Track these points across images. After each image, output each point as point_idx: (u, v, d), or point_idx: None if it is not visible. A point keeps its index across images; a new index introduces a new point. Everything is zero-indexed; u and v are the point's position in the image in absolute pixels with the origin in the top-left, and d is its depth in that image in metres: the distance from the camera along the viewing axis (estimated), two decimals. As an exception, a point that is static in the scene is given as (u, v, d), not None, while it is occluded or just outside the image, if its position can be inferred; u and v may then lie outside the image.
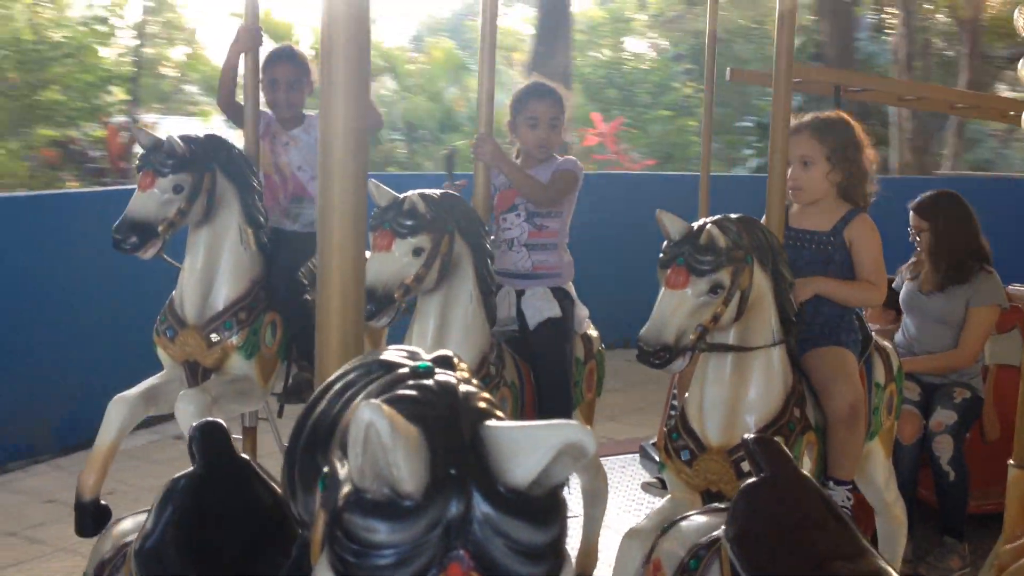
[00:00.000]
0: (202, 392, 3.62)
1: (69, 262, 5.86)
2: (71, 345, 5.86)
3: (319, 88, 1.48)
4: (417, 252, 3.29)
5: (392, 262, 3.25)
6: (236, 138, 4.29)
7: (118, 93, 15.07)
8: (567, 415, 3.63)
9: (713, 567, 2.09)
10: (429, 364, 1.10)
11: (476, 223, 3.50)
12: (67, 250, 5.87)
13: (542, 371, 3.63)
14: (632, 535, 2.83)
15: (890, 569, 1.85)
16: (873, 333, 3.67)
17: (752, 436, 2.17)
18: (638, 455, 5.33)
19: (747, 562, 1.81)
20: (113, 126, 13.75)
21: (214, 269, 3.82)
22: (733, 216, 3.01)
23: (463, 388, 1.05)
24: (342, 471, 1.00)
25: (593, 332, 4.01)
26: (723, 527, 1.99)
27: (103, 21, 15.00)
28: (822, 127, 3.51)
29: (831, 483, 3.18)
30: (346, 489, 0.97)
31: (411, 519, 0.93)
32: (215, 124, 15.20)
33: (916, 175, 13.70)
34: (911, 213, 4.65)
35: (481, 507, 0.94)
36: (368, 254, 2.99)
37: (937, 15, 19.14)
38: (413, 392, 1.02)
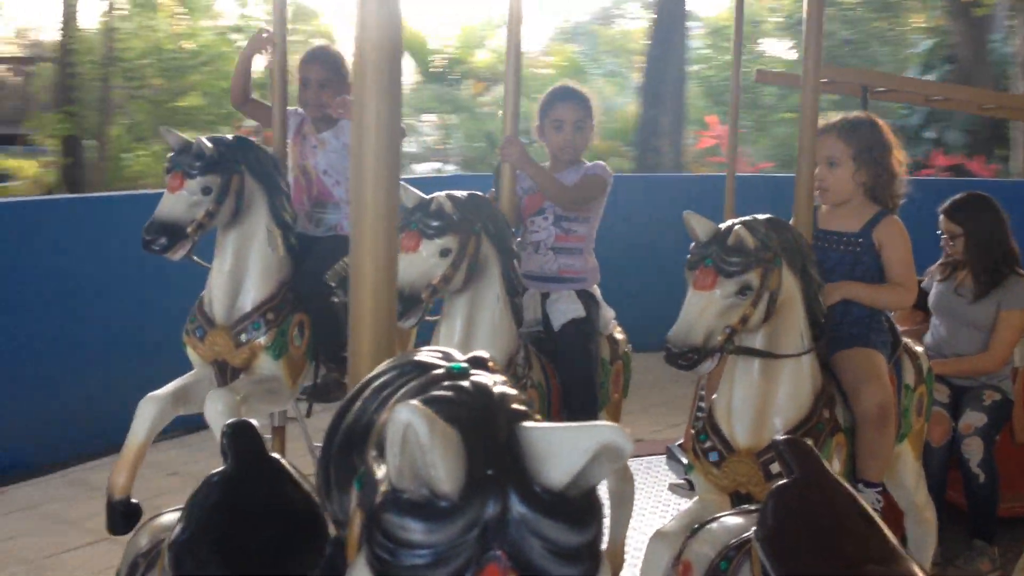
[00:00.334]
0: (230, 391, 3.64)
1: (125, 261, 5.83)
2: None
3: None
4: (444, 253, 3.30)
5: (419, 263, 3.26)
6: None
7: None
8: (593, 414, 3.63)
9: (744, 569, 2.08)
10: (464, 365, 1.11)
11: (503, 224, 3.50)
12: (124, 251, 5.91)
13: (567, 371, 3.64)
14: (660, 537, 2.83)
15: (922, 574, 1.84)
16: (903, 335, 3.65)
17: (782, 438, 2.16)
18: (664, 456, 5.32)
19: (778, 564, 1.80)
20: (246, 130, 14.11)
21: (243, 270, 3.84)
22: (761, 217, 3.00)
23: (498, 389, 1.05)
24: (379, 471, 1.01)
25: (620, 334, 4.00)
26: (753, 529, 1.98)
27: (238, 30, 15.63)
28: (849, 128, 3.50)
29: (861, 485, 3.16)
30: (384, 489, 0.98)
31: (448, 519, 0.93)
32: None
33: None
34: (942, 217, 4.62)
35: (518, 508, 0.94)
36: None
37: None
38: (449, 393, 1.03)
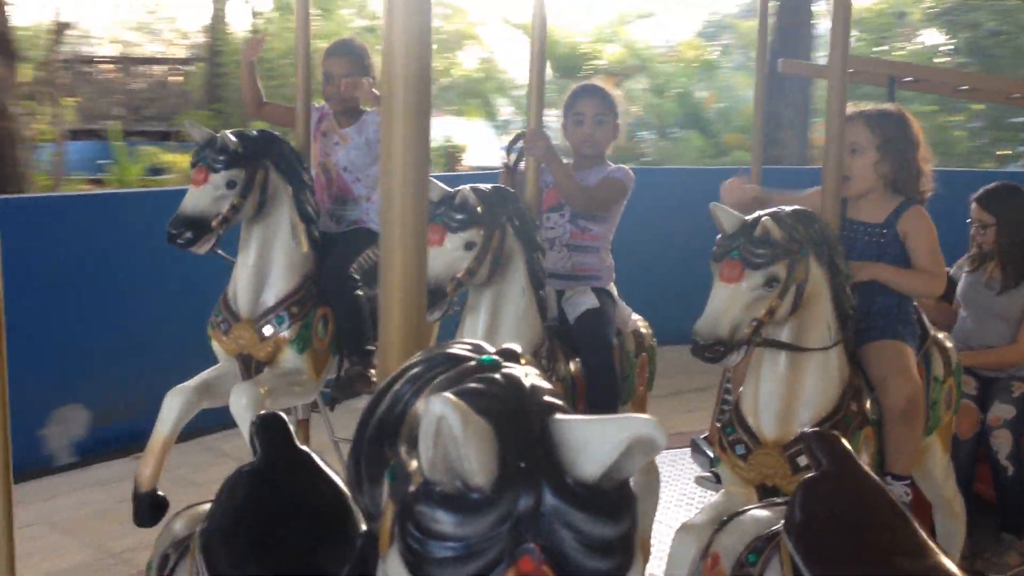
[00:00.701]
0: (255, 385, 3.66)
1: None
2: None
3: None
4: (469, 246, 3.30)
5: (444, 256, 3.26)
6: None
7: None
8: (613, 402, 3.61)
9: (773, 562, 2.07)
10: (495, 358, 1.11)
11: (528, 217, 3.50)
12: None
13: (586, 358, 3.62)
14: (686, 529, 2.82)
15: (953, 567, 1.83)
16: (931, 327, 3.62)
17: (810, 430, 2.15)
18: (689, 449, 5.30)
19: (809, 557, 1.79)
20: None
21: (267, 264, 3.86)
22: (788, 208, 2.98)
23: (529, 381, 1.05)
24: (411, 463, 1.01)
25: (645, 327, 3.99)
26: (782, 522, 1.97)
27: (370, 30, 16.14)
28: (875, 117, 3.47)
29: (889, 478, 3.14)
30: (416, 482, 0.98)
31: (481, 512, 0.93)
32: (478, 125, 17.42)
33: None
34: (974, 205, 4.58)
35: (550, 500, 0.94)
36: None
37: None
38: (481, 385, 1.02)
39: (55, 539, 4.84)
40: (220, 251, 3.83)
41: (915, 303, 3.51)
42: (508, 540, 0.93)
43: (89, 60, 18.00)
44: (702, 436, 5.06)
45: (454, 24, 19.06)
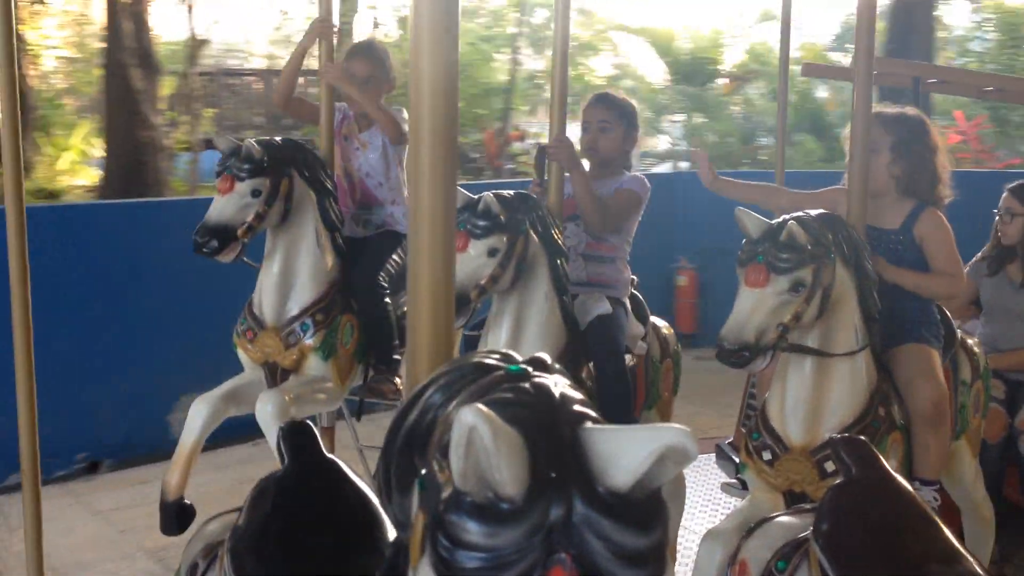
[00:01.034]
0: (280, 392, 3.67)
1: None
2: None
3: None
4: (492, 253, 3.30)
5: (467, 263, 3.26)
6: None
7: (497, 103, 17.03)
8: (627, 411, 3.57)
9: (802, 569, 2.06)
10: (523, 367, 1.10)
11: (551, 223, 3.49)
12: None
13: (599, 365, 3.58)
14: (713, 536, 2.81)
15: (983, 573, 1.81)
16: (959, 330, 3.59)
17: (839, 436, 2.14)
18: (714, 455, 5.28)
19: (839, 564, 1.78)
20: (490, 131, 15.55)
21: (292, 272, 3.87)
22: (814, 212, 2.96)
23: (559, 390, 1.04)
24: (441, 474, 1.00)
25: (667, 330, 3.98)
26: (811, 528, 1.96)
27: (487, 40, 16.94)
28: (892, 118, 3.45)
29: (917, 483, 3.12)
30: (447, 492, 0.97)
31: (512, 522, 0.93)
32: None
33: None
34: (1005, 195, 4.53)
35: (582, 510, 0.93)
36: None
37: None
38: (511, 395, 1.02)
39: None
40: (246, 258, 3.84)
41: (936, 305, 3.48)
42: (540, 550, 0.93)
43: (233, 72, 18.62)
44: (727, 441, 5.05)
45: (590, 30, 19.48)
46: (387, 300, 4.02)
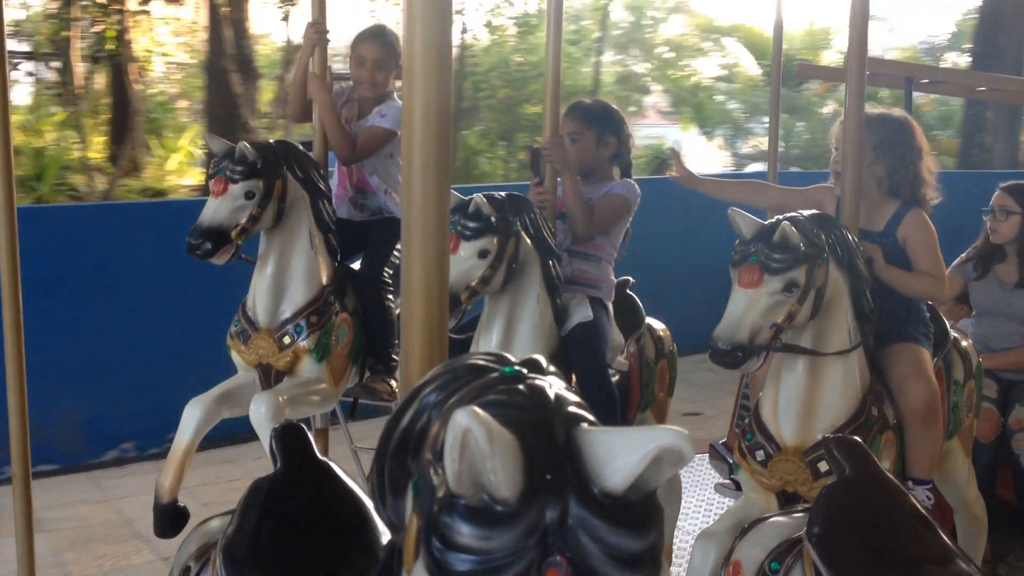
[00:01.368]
0: (274, 394, 3.66)
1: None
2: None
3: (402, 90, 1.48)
4: (483, 254, 3.30)
5: (457, 264, 3.26)
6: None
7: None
8: (611, 419, 3.52)
9: (795, 569, 2.06)
10: (517, 368, 1.10)
11: (543, 225, 3.49)
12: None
13: (579, 375, 3.50)
14: (706, 537, 2.80)
15: (977, 573, 1.81)
16: (952, 330, 3.60)
17: (832, 435, 2.14)
18: (707, 455, 5.29)
19: (832, 564, 1.78)
20: None
21: (285, 274, 3.86)
22: (806, 213, 2.97)
23: (554, 392, 1.04)
24: (436, 476, 1.00)
25: (663, 331, 3.97)
26: (805, 528, 1.96)
27: (573, 43, 17.26)
28: (875, 118, 3.46)
29: (910, 483, 3.12)
30: (441, 495, 0.97)
31: (507, 525, 0.92)
32: (690, 134, 18.24)
33: None
34: (999, 193, 4.52)
35: (577, 512, 0.93)
36: None
37: None
38: (505, 397, 1.02)
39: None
40: (243, 255, 3.82)
41: (925, 304, 3.48)
42: (535, 553, 0.93)
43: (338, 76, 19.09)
44: (720, 441, 5.05)
45: (695, 30, 19.75)
46: (390, 297, 4.01)
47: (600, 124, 3.84)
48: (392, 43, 4.28)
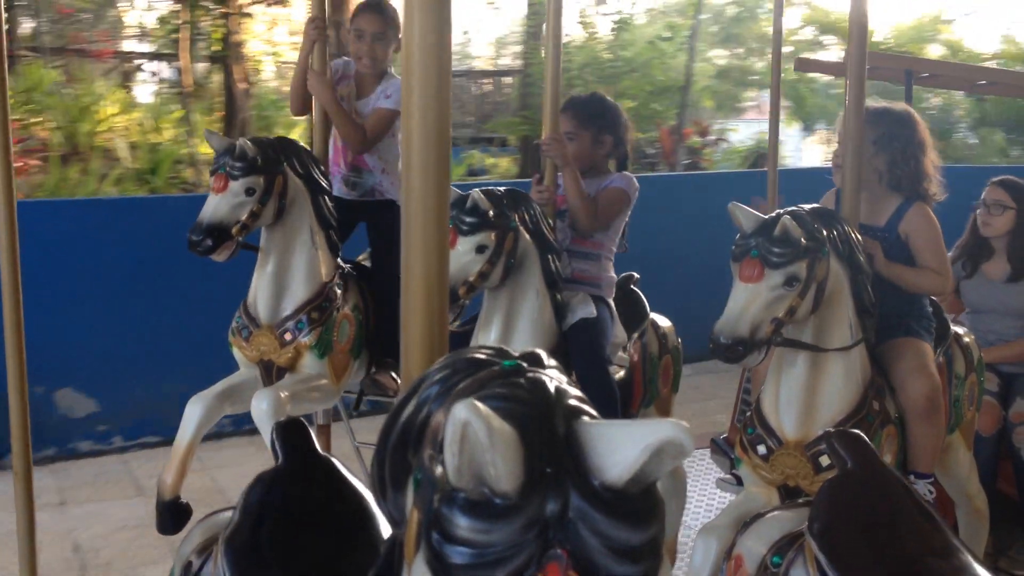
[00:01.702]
0: (276, 391, 3.66)
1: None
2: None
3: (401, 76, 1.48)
4: (480, 249, 3.30)
5: (455, 259, 3.25)
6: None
7: (675, 100, 17.36)
8: (613, 414, 3.53)
9: (797, 563, 2.06)
10: (517, 362, 1.10)
11: (542, 220, 3.49)
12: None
13: (580, 372, 3.49)
14: (708, 531, 2.81)
15: (979, 566, 1.81)
16: (953, 324, 3.60)
17: (833, 430, 2.14)
18: (708, 450, 5.29)
19: (834, 558, 1.78)
20: (665, 128, 16.23)
21: (287, 270, 3.86)
22: (807, 207, 2.96)
23: (554, 385, 1.04)
24: (436, 470, 1.00)
25: (667, 326, 3.97)
26: (806, 523, 1.96)
27: (667, 40, 17.26)
28: (876, 112, 3.45)
29: (912, 476, 3.12)
30: (441, 488, 0.97)
31: (508, 518, 0.92)
32: (793, 131, 18.17)
33: None
34: (994, 187, 4.50)
35: (577, 505, 0.93)
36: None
37: None
38: (505, 390, 1.02)
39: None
40: (247, 243, 3.82)
41: (927, 298, 3.48)
42: (535, 546, 0.93)
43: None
44: (721, 436, 5.05)
45: (813, 25, 19.72)
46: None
47: (595, 122, 3.84)
48: (392, 16, 4.24)
